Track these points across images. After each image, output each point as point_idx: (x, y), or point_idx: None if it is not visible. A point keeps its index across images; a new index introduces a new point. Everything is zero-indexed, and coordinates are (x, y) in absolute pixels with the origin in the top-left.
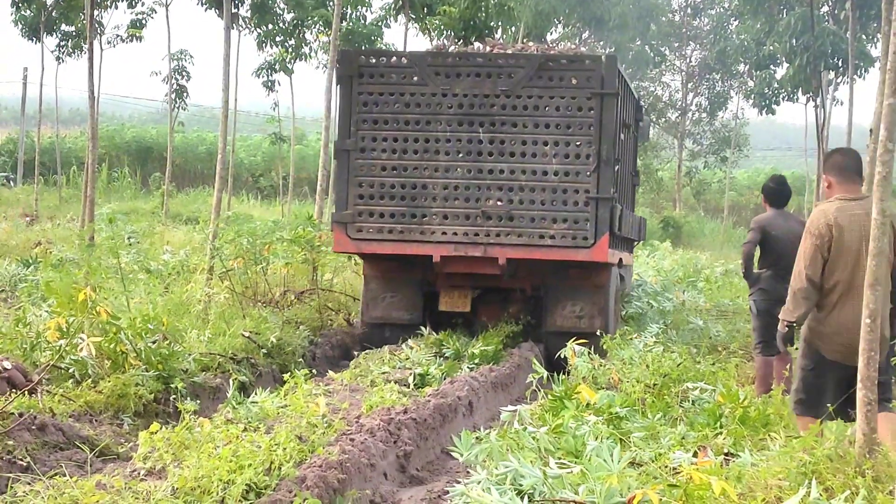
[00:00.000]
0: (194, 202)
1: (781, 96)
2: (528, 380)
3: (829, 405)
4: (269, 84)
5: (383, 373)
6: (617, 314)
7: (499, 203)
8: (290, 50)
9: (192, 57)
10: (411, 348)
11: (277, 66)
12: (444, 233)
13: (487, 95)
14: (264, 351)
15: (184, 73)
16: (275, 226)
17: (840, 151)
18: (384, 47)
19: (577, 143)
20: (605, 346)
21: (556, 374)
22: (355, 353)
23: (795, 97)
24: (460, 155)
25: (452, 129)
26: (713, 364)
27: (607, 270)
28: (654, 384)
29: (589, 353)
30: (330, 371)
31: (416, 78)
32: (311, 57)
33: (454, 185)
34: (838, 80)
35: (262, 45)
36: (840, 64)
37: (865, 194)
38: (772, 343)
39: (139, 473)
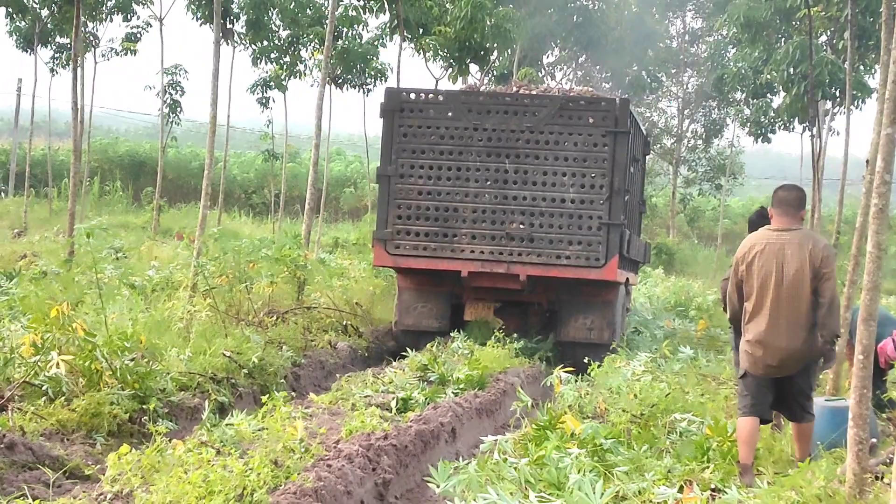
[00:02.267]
0: (185, 217)
1: (777, 125)
2: (512, 408)
3: (759, 406)
4: (264, 101)
5: (365, 396)
6: (623, 327)
7: (521, 226)
8: (284, 67)
9: (186, 72)
10: (395, 371)
11: (272, 83)
12: (472, 251)
13: (514, 131)
14: (245, 371)
15: (178, 88)
16: (261, 243)
17: (783, 187)
18: (379, 67)
19: (592, 175)
20: (591, 376)
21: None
22: (339, 375)
23: (791, 126)
24: (488, 183)
25: (482, 159)
26: (702, 395)
27: (616, 288)
28: (642, 414)
29: (577, 380)
30: (311, 393)
31: (450, 114)
32: (305, 74)
33: (482, 209)
34: (835, 111)
35: (256, 62)
36: (837, 94)
37: (795, 227)
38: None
39: (106, 497)
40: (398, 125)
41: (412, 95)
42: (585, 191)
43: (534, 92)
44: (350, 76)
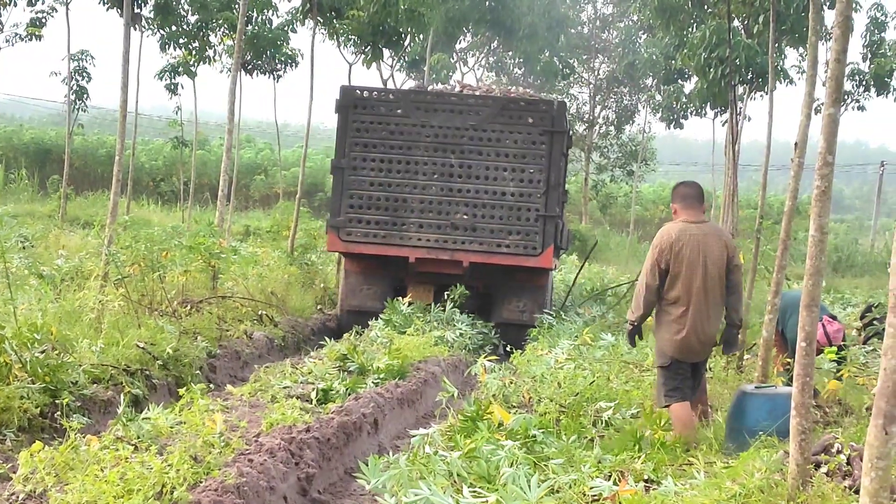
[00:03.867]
0: (93, 206)
1: (689, 111)
2: (438, 397)
3: (688, 391)
4: (172, 87)
5: (285, 387)
6: (551, 309)
7: (465, 216)
8: (193, 52)
9: (93, 58)
10: (314, 361)
11: (181, 69)
12: (419, 239)
13: (458, 128)
14: (160, 363)
15: (84, 74)
16: (174, 232)
17: (684, 183)
18: (290, 53)
19: (531, 171)
20: (514, 364)
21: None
22: (256, 365)
23: (703, 112)
24: (435, 176)
25: (429, 154)
26: (626, 383)
27: (547, 274)
28: (568, 403)
29: (500, 368)
30: (229, 385)
31: (400, 111)
32: (215, 60)
33: (429, 200)
34: (751, 96)
35: (165, 47)
36: (752, 78)
37: (705, 220)
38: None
39: (18, 497)
40: (352, 120)
41: (365, 93)
42: (524, 185)
43: (478, 93)
44: (260, 62)
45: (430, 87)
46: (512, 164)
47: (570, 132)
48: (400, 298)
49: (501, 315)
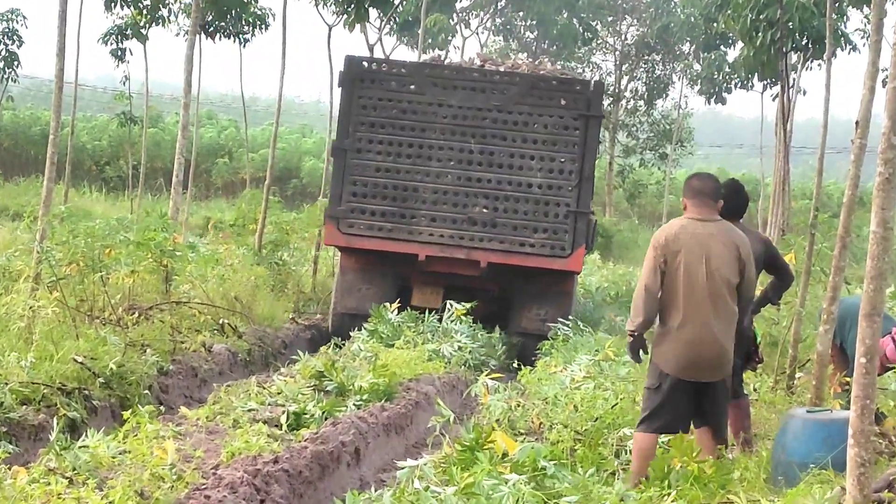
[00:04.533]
0: (24, 194)
1: (734, 83)
2: (431, 423)
3: (673, 421)
4: (119, 53)
5: (249, 410)
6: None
7: (484, 210)
8: (144, 12)
9: (24, 18)
10: (284, 380)
11: (129, 32)
12: (430, 234)
13: (480, 109)
14: (101, 380)
15: (14, 38)
16: (119, 225)
17: (698, 176)
18: (259, 13)
19: (562, 160)
20: (522, 383)
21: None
22: (216, 384)
23: (750, 84)
24: (451, 163)
25: (445, 137)
26: None
27: (573, 277)
28: (585, 430)
29: (506, 388)
30: (183, 407)
31: (413, 87)
32: (170, 21)
33: (443, 190)
34: (806, 65)
35: (110, 6)
36: (809, 45)
37: (716, 218)
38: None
39: None
40: (357, 96)
41: (373, 65)
42: (553, 176)
43: (502, 68)
44: (223, 24)
45: (445, 60)
46: (540, 151)
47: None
48: (388, 305)
49: (520, 324)
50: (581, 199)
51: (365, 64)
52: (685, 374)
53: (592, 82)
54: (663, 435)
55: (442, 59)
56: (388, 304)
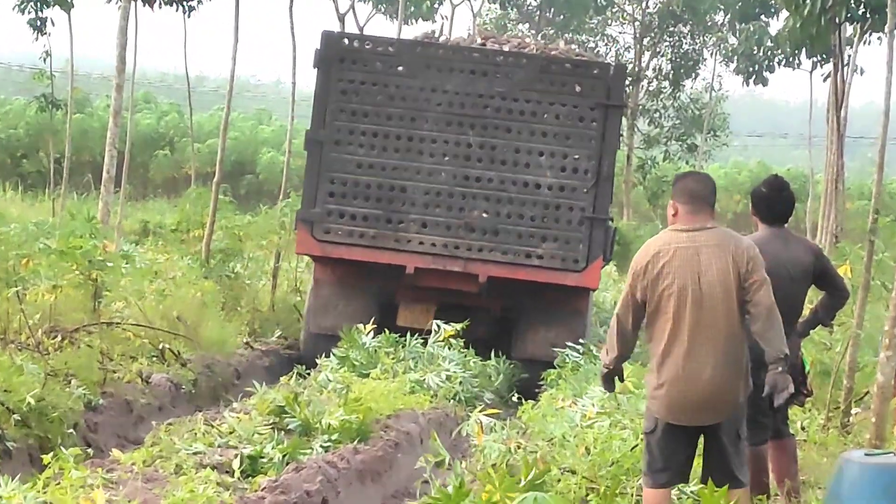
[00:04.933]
0: None
1: (777, 60)
2: (416, 467)
3: (677, 473)
4: (39, 24)
5: (195, 453)
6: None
7: (484, 215)
8: None
9: None
10: (237, 417)
11: None
12: (421, 242)
13: (481, 95)
14: (17, 417)
15: None
16: (39, 230)
17: (691, 176)
18: None
19: (576, 157)
20: (523, 420)
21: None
22: (155, 421)
23: (797, 62)
24: (446, 158)
25: (439, 128)
26: None
27: (588, 295)
28: (599, 477)
29: (504, 426)
30: (115, 450)
31: (401, 69)
32: None
33: (437, 190)
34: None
35: None
36: (865, 13)
37: (710, 225)
38: (758, 426)
39: None
40: (336, 79)
41: (356, 43)
42: (567, 175)
43: (507, 48)
44: None
45: (440, 37)
46: (551, 146)
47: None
48: (363, 326)
49: (526, 349)
50: (598, 202)
51: (346, 41)
52: (675, 419)
53: (613, 66)
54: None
55: (436, 36)
56: (362, 326)
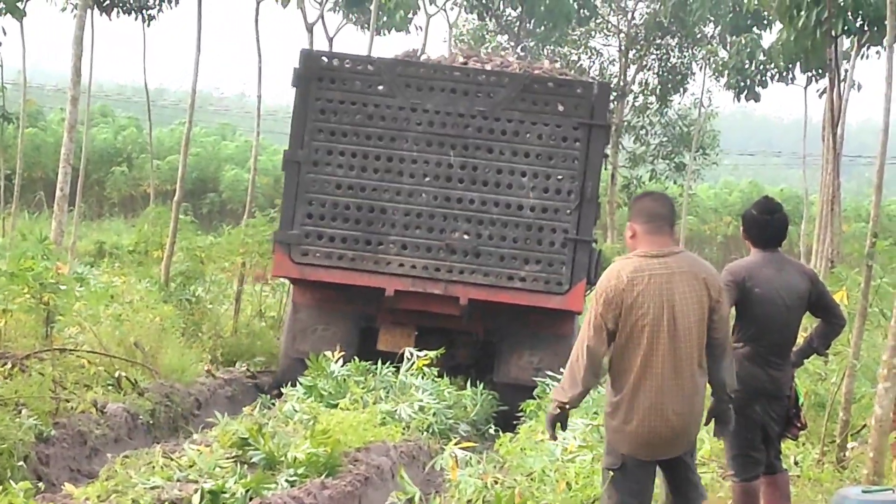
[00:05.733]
0: None
1: (770, 75)
2: (388, 501)
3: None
4: None
5: (153, 488)
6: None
7: (465, 236)
8: None
9: None
10: (197, 449)
11: (1, 5)
12: (401, 264)
13: (462, 115)
14: None
15: None
16: None
17: (650, 196)
18: None
19: (559, 177)
20: (501, 454)
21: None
22: (111, 454)
23: (791, 77)
24: (426, 179)
25: (420, 148)
26: None
27: (572, 318)
28: None
29: (480, 460)
30: (68, 484)
31: (382, 88)
32: None
33: (417, 211)
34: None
35: None
36: (863, 25)
37: (675, 249)
38: (750, 460)
39: None
40: (315, 98)
41: (335, 61)
42: (549, 196)
43: (489, 66)
44: None
45: (419, 55)
46: (533, 166)
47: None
48: (330, 353)
49: (508, 374)
50: (582, 224)
51: (325, 60)
52: (646, 454)
53: (597, 85)
54: None
55: (417, 54)
56: (330, 353)
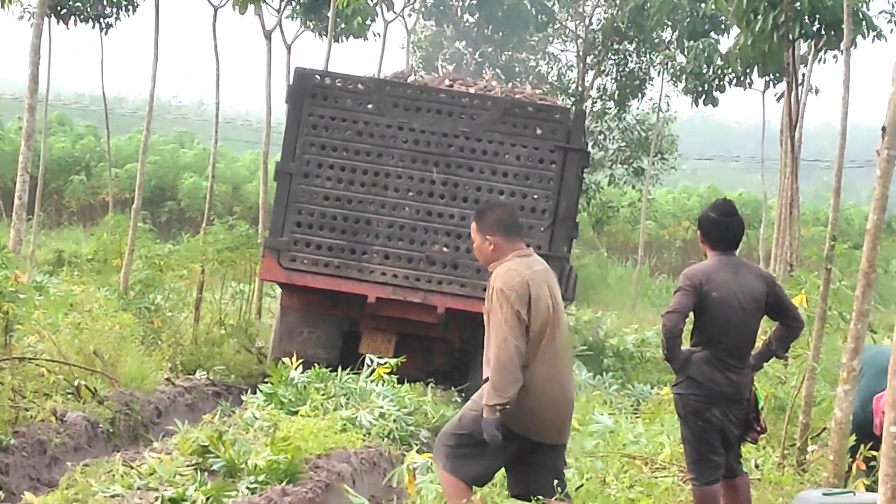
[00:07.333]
0: None
1: (727, 79)
2: None
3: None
4: None
5: (113, 496)
6: None
7: (445, 249)
8: None
9: None
10: (157, 457)
11: None
12: (383, 273)
13: (446, 135)
14: None
15: None
16: None
17: (502, 207)
18: None
19: (535, 196)
20: None
21: None
22: (70, 462)
23: (748, 81)
24: (410, 193)
25: (405, 165)
26: (630, 487)
27: None
28: None
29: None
30: (27, 493)
31: (371, 106)
32: (10, 3)
33: (400, 224)
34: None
35: None
36: (820, 29)
37: (528, 251)
38: (709, 464)
39: None
40: (307, 114)
41: (327, 79)
42: (524, 214)
43: (473, 89)
44: (80, 4)
45: (409, 77)
46: (511, 185)
47: (587, 144)
48: (289, 361)
49: (480, 380)
50: (554, 241)
51: (317, 78)
52: (543, 437)
53: (573, 111)
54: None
55: (406, 76)
56: (288, 361)
